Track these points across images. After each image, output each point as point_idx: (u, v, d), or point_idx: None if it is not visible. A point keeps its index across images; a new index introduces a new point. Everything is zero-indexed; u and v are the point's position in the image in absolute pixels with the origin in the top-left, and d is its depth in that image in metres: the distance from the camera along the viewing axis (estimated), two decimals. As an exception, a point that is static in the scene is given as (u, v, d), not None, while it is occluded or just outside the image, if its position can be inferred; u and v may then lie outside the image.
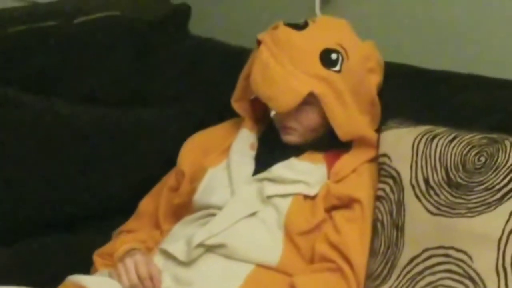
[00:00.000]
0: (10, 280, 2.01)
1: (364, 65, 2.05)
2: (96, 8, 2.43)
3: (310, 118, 2.01)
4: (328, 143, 2.05)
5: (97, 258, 2.08)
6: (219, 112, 2.24)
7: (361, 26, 2.12)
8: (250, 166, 2.05)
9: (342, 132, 2.00)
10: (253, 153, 2.07)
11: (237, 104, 2.12)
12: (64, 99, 2.27)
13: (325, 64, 2.00)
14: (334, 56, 2.01)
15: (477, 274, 1.79)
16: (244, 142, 2.09)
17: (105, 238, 2.14)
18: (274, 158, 2.04)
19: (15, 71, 2.29)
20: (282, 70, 1.99)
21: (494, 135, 1.92)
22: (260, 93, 2.01)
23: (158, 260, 1.96)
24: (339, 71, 2.00)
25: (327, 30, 2.07)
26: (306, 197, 1.97)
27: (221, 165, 2.06)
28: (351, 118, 2.01)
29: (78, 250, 2.15)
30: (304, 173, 2.00)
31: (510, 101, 2.09)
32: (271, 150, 2.07)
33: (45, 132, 2.20)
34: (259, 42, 2.04)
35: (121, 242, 2.06)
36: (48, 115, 2.22)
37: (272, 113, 2.06)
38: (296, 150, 2.04)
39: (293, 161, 2.02)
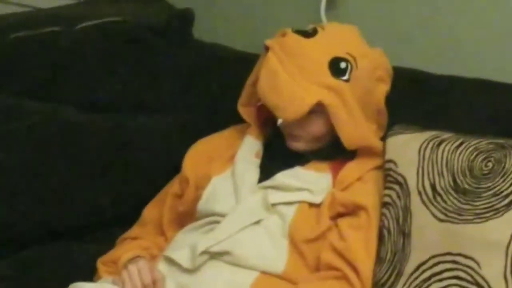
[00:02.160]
0: None
1: (373, 73, 2.06)
2: (97, 13, 2.45)
3: (316, 127, 2.03)
4: (333, 152, 2.07)
5: (100, 265, 2.10)
6: (221, 119, 2.27)
7: (366, 30, 2.15)
8: (255, 174, 2.06)
9: (348, 141, 2.02)
10: (258, 161, 2.09)
11: (244, 110, 2.14)
12: (66, 105, 2.29)
13: (334, 73, 2.02)
14: (343, 65, 2.03)
15: (485, 281, 1.80)
16: (249, 150, 2.11)
17: (107, 246, 2.17)
18: (279, 167, 2.05)
19: (17, 77, 2.31)
20: (290, 79, 2.01)
21: (501, 141, 1.94)
22: (267, 101, 2.02)
23: (163, 267, 1.98)
24: (347, 80, 2.02)
25: (336, 38, 2.08)
26: (311, 205, 1.99)
27: (225, 173, 2.09)
28: (357, 127, 2.02)
29: (80, 259, 2.17)
30: (309, 182, 2.02)
31: None
32: (276, 158, 2.09)
33: (49, 140, 2.22)
34: (266, 48, 2.05)
35: (125, 249, 2.08)
36: (50, 122, 2.24)
37: (279, 121, 2.07)
38: (301, 159, 2.06)
39: (298, 170, 2.04)
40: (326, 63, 2.02)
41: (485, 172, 1.90)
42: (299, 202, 1.99)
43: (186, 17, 2.50)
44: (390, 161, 2.01)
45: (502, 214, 1.83)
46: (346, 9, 2.45)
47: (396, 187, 1.97)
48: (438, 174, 1.94)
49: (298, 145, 2.04)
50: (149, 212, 2.20)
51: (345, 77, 2.02)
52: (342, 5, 2.46)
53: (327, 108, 1.98)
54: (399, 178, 1.98)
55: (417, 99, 2.18)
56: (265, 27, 2.17)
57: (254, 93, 2.08)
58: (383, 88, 2.08)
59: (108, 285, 1.97)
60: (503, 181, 1.87)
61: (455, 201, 1.89)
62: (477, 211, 1.86)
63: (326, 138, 2.05)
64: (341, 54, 2.03)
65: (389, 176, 2.00)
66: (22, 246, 2.19)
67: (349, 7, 2.45)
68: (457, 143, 1.97)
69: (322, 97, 1.98)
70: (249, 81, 2.11)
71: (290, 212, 1.98)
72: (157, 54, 2.43)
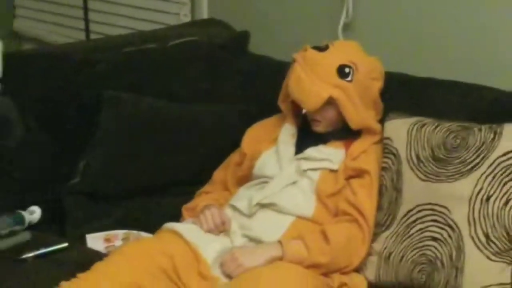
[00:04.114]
0: (125, 227, 2.14)
1: (369, 75, 2.08)
2: (181, 34, 2.47)
3: (330, 114, 2.06)
4: (344, 134, 2.09)
5: (184, 211, 2.17)
6: (267, 109, 2.25)
7: (372, 44, 2.17)
8: (292, 150, 2.10)
9: (352, 123, 2.05)
10: (294, 141, 2.12)
11: (282, 104, 2.16)
12: (159, 98, 2.32)
13: (340, 76, 2.03)
14: (347, 70, 2.04)
15: (455, 223, 1.88)
16: (287, 133, 2.14)
17: (189, 198, 2.21)
18: (308, 145, 2.09)
19: (126, 78, 2.32)
20: (310, 81, 2.03)
21: (466, 124, 1.98)
22: (295, 97, 2.07)
23: (228, 212, 2.06)
24: (350, 81, 2.03)
25: (342, 51, 2.09)
26: (331, 170, 2.04)
27: (272, 149, 2.13)
28: (359, 113, 2.05)
29: (168, 208, 2.22)
30: (329, 154, 2.06)
31: (478, 100, 2.12)
32: (306, 139, 2.11)
33: (145, 121, 2.26)
34: (294, 60, 2.09)
35: (201, 200, 2.16)
36: (148, 110, 2.28)
37: (304, 110, 2.13)
38: (323, 139, 2.09)
39: (321, 147, 2.08)
40: (335, 69, 2.03)
41: (454, 146, 1.95)
42: (322, 168, 2.05)
43: (243, 37, 2.55)
44: (387, 138, 2.06)
45: (466, 176, 1.90)
46: (356, 31, 2.44)
47: (392, 156, 2.03)
48: (421, 148, 1.98)
49: (319, 129, 2.09)
50: (218, 175, 2.25)
51: (349, 78, 2.03)
52: (354, 29, 2.45)
53: (336, 100, 2.02)
54: (394, 150, 2.03)
55: (405, 94, 2.18)
56: (299, 43, 2.14)
57: (288, 92, 2.11)
58: (378, 85, 2.10)
59: (191, 225, 2.04)
60: (467, 153, 1.93)
61: (433, 167, 1.95)
62: (449, 174, 1.92)
63: (338, 123, 2.08)
64: (345, 62, 2.04)
65: (386, 149, 2.05)
66: (126, 199, 2.23)
67: (358, 29, 2.44)
68: (435, 125, 2.00)
69: (332, 93, 2.02)
70: (284, 83, 2.13)
71: (316, 175, 2.04)
72: (222, 63, 2.47)
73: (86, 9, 2.88)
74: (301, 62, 2.07)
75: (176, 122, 2.30)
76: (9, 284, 1.88)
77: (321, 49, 2.08)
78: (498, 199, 1.86)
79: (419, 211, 1.93)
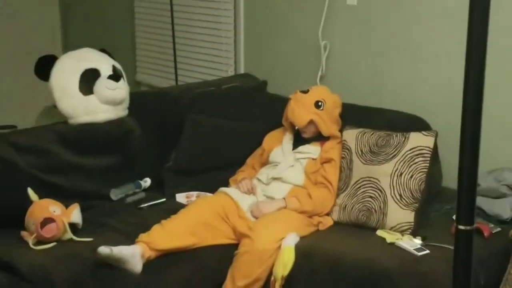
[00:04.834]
0: (197, 190, 2.15)
1: (333, 105, 2.14)
2: (229, 82, 2.48)
3: (311, 128, 2.12)
4: (320, 138, 2.12)
5: (230, 181, 2.22)
6: (277, 125, 2.23)
7: (335, 87, 2.20)
8: (291, 147, 2.14)
9: (324, 133, 2.11)
10: (291, 142, 2.16)
11: (284, 123, 2.20)
12: (218, 119, 2.30)
13: (316, 107, 2.09)
14: (320, 103, 2.09)
15: (382, 188, 1.94)
16: (288, 138, 2.18)
17: (233, 174, 2.22)
18: (300, 144, 2.13)
19: (199, 106, 2.28)
20: (299, 111, 2.09)
21: (389, 132, 2.05)
22: (291, 120, 2.12)
23: (255, 182, 2.12)
24: (322, 110, 2.09)
25: (317, 92, 2.14)
26: (313, 159, 2.09)
27: (279, 147, 2.17)
28: (328, 128, 2.11)
29: (223, 179, 2.20)
30: (312, 150, 2.11)
31: (395, 119, 2.14)
32: (299, 141, 2.15)
33: (211, 132, 2.27)
34: (290, 99, 2.14)
35: (239, 175, 2.22)
36: (213, 125, 2.28)
37: (296, 127, 2.16)
38: (308, 141, 2.14)
39: (307, 145, 2.13)
40: (313, 103, 2.09)
41: (382, 144, 2.01)
42: (308, 158, 2.10)
43: (264, 83, 2.56)
44: (345, 140, 2.11)
45: (389, 162, 1.96)
46: (328, 80, 2.41)
47: (347, 151, 2.08)
48: (363, 146, 2.04)
49: (306, 135, 2.14)
50: (249, 160, 2.28)
51: (321, 108, 2.09)
52: (325, 78, 2.43)
53: (314, 121, 2.09)
54: (348, 147, 2.08)
55: (354, 116, 2.17)
56: (293, 88, 2.15)
57: (287, 116, 2.16)
58: (338, 111, 2.16)
59: (234, 189, 2.09)
60: (389, 148, 1.99)
61: (370, 156, 2.01)
62: (379, 160, 1.98)
63: (316, 133, 2.12)
64: (319, 98, 2.10)
65: (344, 146, 2.10)
66: (197, 174, 2.22)
67: (330, 79, 2.42)
68: (371, 133, 2.07)
69: (312, 117, 2.08)
70: (285, 111, 2.16)
71: (304, 162, 2.09)
72: (252, 99, 2.47)
73: (176, 68, 2.81)
74: (294, 99, 2.13)
75: (228, 132, 2.32)
76: (133, 221, 1.96)
77: (305, 92, 2.14)
78: (407, 174, 1.92)
79: (362, 181, 1.98)
